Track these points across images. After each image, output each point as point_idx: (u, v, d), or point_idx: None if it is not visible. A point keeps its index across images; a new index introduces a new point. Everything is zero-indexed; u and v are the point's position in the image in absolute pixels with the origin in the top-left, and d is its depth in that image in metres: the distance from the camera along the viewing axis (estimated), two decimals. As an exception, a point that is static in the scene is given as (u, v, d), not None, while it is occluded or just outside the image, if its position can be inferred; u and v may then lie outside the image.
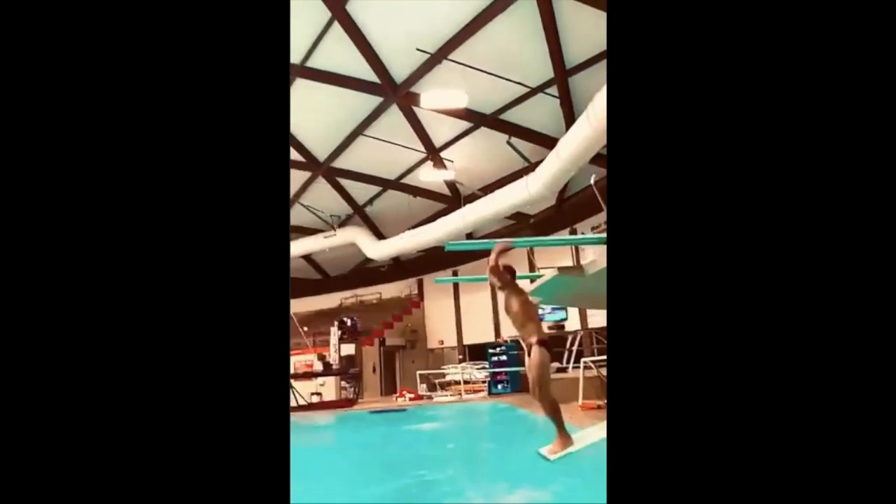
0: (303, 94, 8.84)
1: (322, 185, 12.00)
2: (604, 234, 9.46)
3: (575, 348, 10.44)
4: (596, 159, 8.14)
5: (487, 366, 11.11)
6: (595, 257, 5.13)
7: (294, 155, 10.88)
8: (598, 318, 10.56)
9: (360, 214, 13.33)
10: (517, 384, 10.51)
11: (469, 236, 12.00)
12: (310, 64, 8.35)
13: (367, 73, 8.43)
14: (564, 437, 3.28)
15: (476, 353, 13.08)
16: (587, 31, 6.94)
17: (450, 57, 7.79)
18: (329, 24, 7.53)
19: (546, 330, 12.19)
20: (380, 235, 13.57)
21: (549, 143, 8.90)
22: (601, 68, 7.35)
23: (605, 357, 7.16)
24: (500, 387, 10.73)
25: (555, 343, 11.24)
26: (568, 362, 9.86)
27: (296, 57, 8.18)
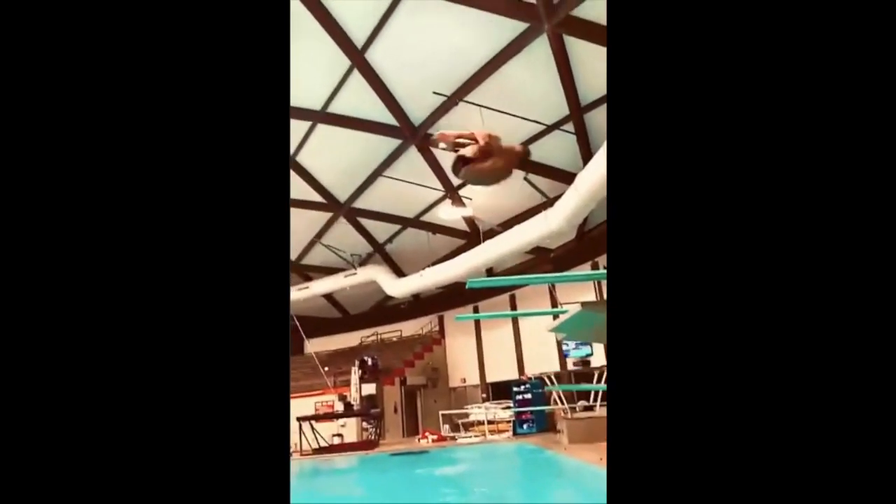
0: (324, 139, 9.14)
1: (343, 225, 12.23)
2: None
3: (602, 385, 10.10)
4: (614, 193, 8.10)
5: (512, 405, 10.82)
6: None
7: (315, 197, 11.15)
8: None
9: (380, 253, 13.47)
10: (543, 424, 10.18)
11: (489, 272, 11.97)
12: (331, 109, 8.67)
13: (385, 117, 8.70)
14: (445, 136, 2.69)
15: (499, 391, 12.79)
16: (600, 69, 7.07)
17: (466, 99, 8.01)
18: (349, 72, 7.86)
19: (571, 366, 11.69)
20: (400, 273, 13.64)
21: (566, 178, 8.94)
22: (616, 104, 7.44)
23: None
24: (525, 427, 10.40)
25: (580, 379, 10.90)
26: (595, 400, 9.53)
27: (317, 103, 8.52)
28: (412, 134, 9.00)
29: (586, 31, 6.53)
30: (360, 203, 11.47)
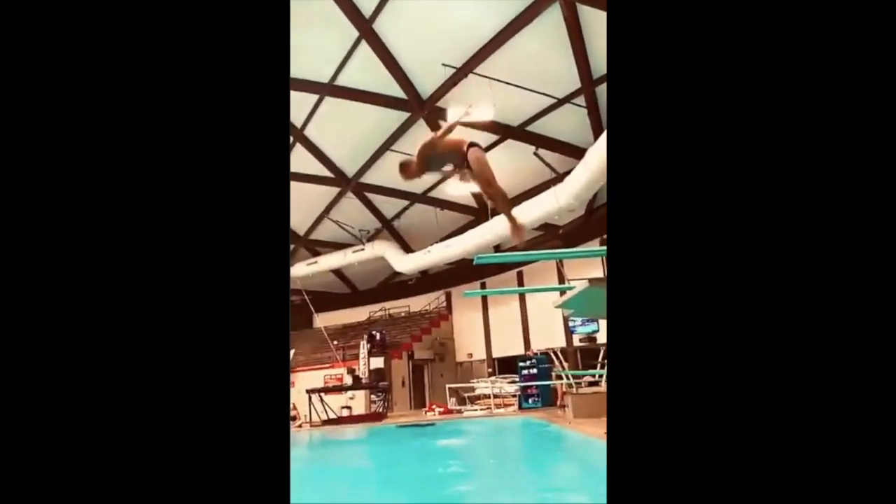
0: (331, 112, 9.04)
1: (351, 200, 12.20)
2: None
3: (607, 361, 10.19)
4: (625, 168, 7.97)
5: (518, 379, 10.94)
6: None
7: (323, 171, 11.11)
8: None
9: (388, 228, 13.47)
10: (548, 398, 10.30)
11: (497, 248, 11.95)
12: (338, 82, 8.55)
13: (394, 90, 8.57)
14: (517, 226, 3.27)
15: (505, 366, 12.92)
16: (614, 40, 6.88)
17: (476, 71, 7.86)
18: (356, 44, 7.72)
19: (577, 342, 11.76)
20: (408, 249, 13.66)
21: (576, 153, 8.82)
22: (629, 77, 7.25)
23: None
24: (530, 401, 10.53)
25: (586, 355, 10.94)
26: (600, 376, 9.61)
27: (324, 76, 8.40)
28: (420, 107, 8.87)
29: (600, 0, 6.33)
30: (368, 178, 11.41)
